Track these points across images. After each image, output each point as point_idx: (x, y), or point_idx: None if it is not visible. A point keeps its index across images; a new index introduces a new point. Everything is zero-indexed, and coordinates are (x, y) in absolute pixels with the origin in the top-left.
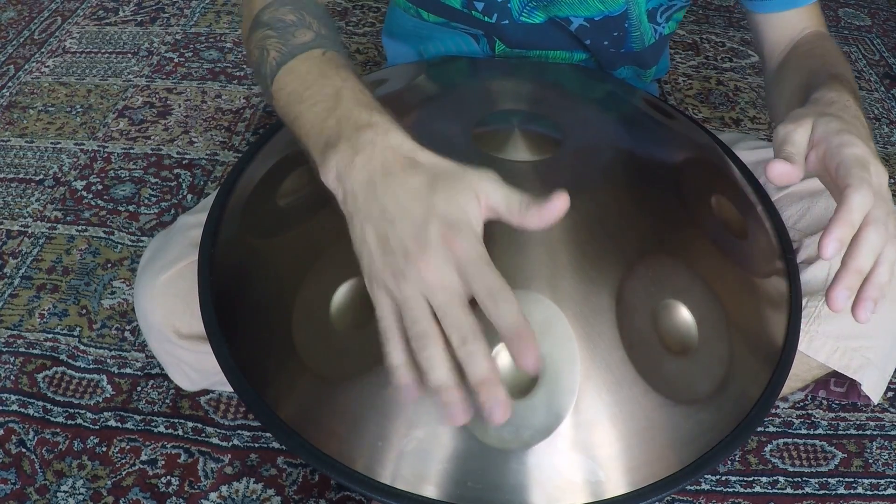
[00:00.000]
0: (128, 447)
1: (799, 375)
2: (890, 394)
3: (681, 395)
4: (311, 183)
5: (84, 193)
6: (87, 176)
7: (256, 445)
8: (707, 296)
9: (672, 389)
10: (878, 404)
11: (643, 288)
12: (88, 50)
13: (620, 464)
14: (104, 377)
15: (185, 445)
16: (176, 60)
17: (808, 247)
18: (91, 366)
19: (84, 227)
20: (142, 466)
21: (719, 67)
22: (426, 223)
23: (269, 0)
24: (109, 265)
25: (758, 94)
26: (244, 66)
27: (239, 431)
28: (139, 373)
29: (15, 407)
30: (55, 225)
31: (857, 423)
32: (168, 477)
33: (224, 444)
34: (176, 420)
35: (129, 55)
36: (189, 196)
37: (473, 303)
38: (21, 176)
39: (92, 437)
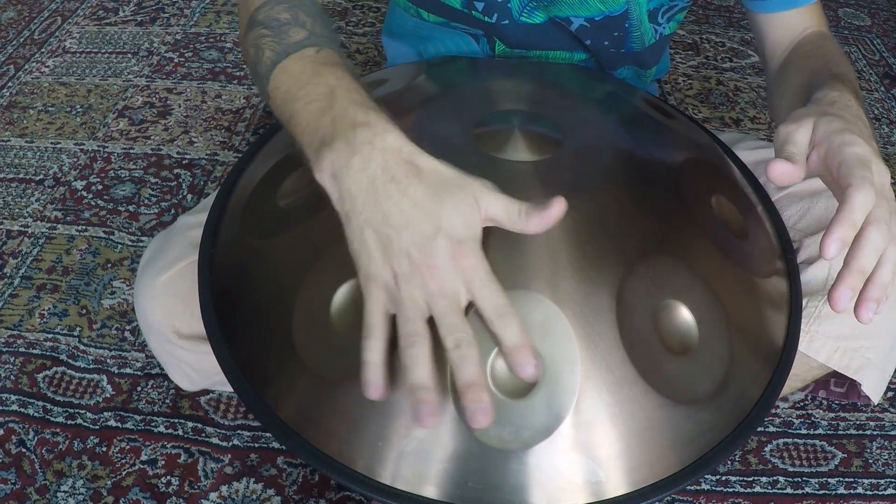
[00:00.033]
0: (128, 447)
1: (799, 375)
2: (890, 394)
3: (681, 395)
4: (312, 183)
5: (84, 193)
6: (87, 176)
7: (256, 445)
8: (707, 296)
9: (672, 389)
10: (878, 404)
11: (643, 288)
12: (88, 50)
13: (621, 464)
14: (104, 377)
15: (185, 445)
16: (176, 60)
17: (809, 247)
18: (91, 366)
19: (84, 227)
20: (142, 466)
21: (719, 67)
22: (433, 237)
23: None
24: (109, 265)
25: (758, 94)
26: (244, 66)
27: (239, 431)
28: (139, 373)
29: (15, 407)
30: (55, 225)
31: (857, 423)
32: (168, 477)
33: (224, 444)
34: (176, 420)
35: (129, 55)
36: (189, 196)
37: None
38: (21, 176)
39: (92, 437)
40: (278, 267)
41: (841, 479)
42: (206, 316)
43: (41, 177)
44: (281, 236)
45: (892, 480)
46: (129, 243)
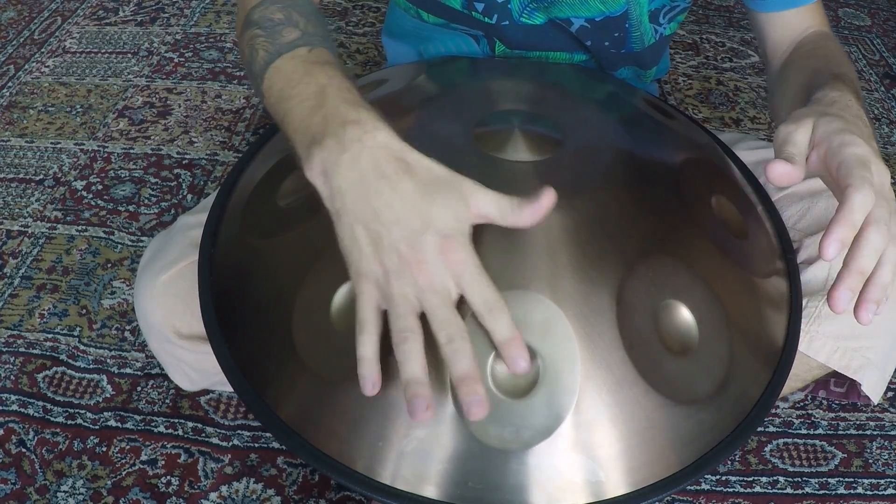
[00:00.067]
0: (128, 447)
1: (799, 375)
2: (890, 394)
3: (681, 395)
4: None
5: (84, 193)
6: (87, 176)
7: (256, 445)
8: (707, 296)
9: (672, 389)
10: (878, 404)
11: (643, 288)
12: (88, 50)
13: (621, 464)
14: (104, 377)
15: (185, 445)
16: (176, 60)
17: (809, 247)
18: (91, 366)
19: (84, 227)
20: (142, 466)
21: (719, 67)
22: (422, 233)
23: None
24: (109, 265)
25: (758, 94)
26: (243, 66)
27: (239, 431)
28: (139, 373)
29: (15, 407)
30: (55, 225)
31: (857, 423)
32: (168, 477)
33: (224, 444)
34: (176, 420)
35: (129, 55)
36: (189, 196)
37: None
38: (21, 176)
39: (92, 437)
40: (278, 267)
41: (841, 479)
42: (206, 316)
43: (41, 177)
44: (281, 236)
45: (892, 480)
46: (129, 243)
